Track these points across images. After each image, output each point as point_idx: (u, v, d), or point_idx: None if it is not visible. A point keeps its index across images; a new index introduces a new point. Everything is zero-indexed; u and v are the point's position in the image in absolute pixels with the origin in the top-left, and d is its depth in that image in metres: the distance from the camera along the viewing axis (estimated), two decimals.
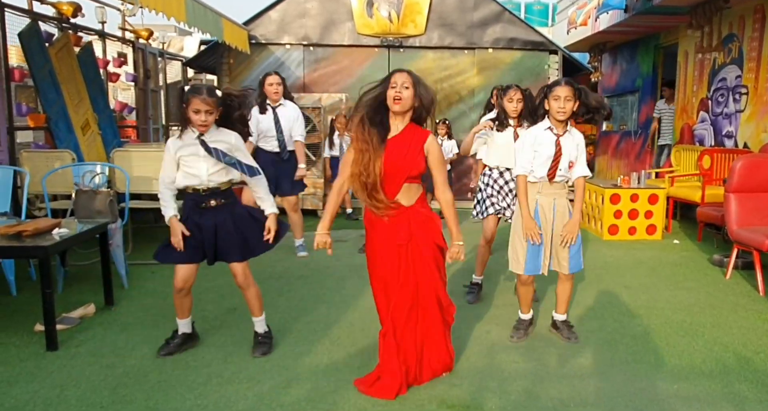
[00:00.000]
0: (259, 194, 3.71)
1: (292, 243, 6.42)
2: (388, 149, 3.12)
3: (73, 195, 5.23)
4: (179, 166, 3.56)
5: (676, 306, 4.75)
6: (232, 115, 3.58)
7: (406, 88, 3.11)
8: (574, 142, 3.86)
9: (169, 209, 3.60)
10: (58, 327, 3.98)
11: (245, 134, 3.71)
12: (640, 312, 4.59)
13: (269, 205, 3.70)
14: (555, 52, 10.14)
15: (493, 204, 4.76)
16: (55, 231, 4.02)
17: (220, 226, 3.60)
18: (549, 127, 3.84)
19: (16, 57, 8.04)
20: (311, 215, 8.56)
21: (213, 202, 3.59)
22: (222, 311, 4.53)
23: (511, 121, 4.66)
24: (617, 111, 12.81)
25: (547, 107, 3.82)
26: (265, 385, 3.30)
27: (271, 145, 6.06)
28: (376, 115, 3.16)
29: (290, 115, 6.06)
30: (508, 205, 4.72)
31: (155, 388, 3.27)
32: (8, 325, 4.20)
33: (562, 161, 3.82)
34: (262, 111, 5.98)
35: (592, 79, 12.97)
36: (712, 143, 8.73)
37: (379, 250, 3.27)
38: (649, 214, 7.50)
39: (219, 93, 3.51)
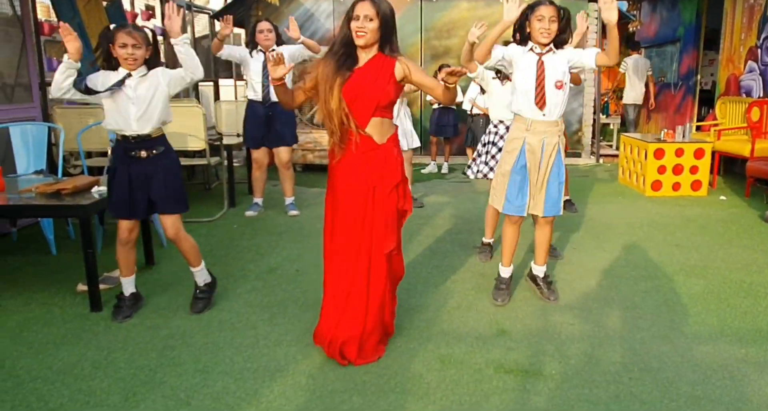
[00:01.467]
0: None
1: (282, 202, 6.32)
2: (353, 78, 2.94)
3: (109, 152, 5.13)
4: (106, 102, 3.43)
5: (733, 265, 4.55)
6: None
7: (370, 20, 2.89)
8: (562, 58, 3.59)
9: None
10: (101, 287, 3.92)
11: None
12: (696, 271, 4.41)
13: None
14: (595, 0, 9.73)
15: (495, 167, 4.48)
16: (95, 189, 3.92)
17: (150, 177, 3.49)
18: (530, 48, 3.60)
19: (42, 12, 7.87)
20: (319, 170, 8.50)
21: (144, 153, 3.47)
22: (263, 270, 4.44)
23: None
24: (656, 62, 12.36)
25: (528, 29, 3.57)
26: (314, 348, 3.20)
27: (256, 93, 5.86)
28: (343, 47, 2.97)
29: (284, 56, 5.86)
30: None
31: (203, 350, 3.19)
32: (50, 285, 4.15)
33: (547, 82, 3.57)
34: (252, 54, 5.82)
35: (631, 28, 12.48)
36: (761, 94, 8.34)
37: (347, 193, 3.01)
38: (694, 170, 7.22)
39: (147, 30, 3.45)
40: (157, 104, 3.46)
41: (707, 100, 10.35)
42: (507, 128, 4.49)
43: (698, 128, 9.07)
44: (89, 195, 3.83)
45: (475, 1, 9.70)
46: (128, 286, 3.74)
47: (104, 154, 5.66)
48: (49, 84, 6.73)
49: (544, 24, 3.48)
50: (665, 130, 7.56)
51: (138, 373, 2.95)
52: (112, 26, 3.44)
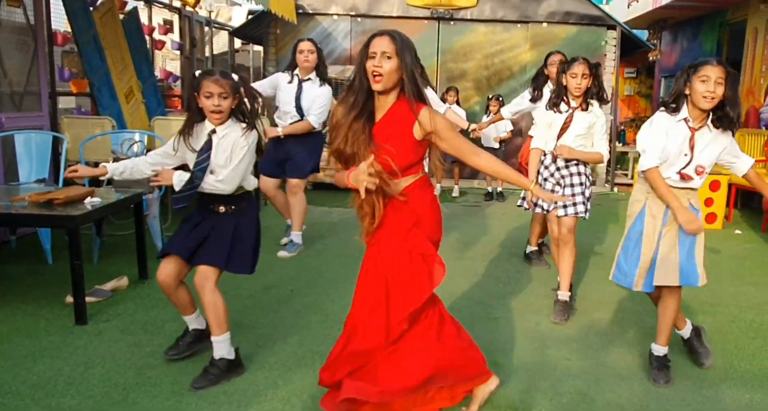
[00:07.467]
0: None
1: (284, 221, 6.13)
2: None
3: (111, 161, 5.09)
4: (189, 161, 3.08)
5: (744, 303, 4.38)
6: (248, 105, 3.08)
7: (388, 58, 2.41)
8: (717, 141, 3.04)
9: (114, 166, 3.14)
10: (89, 299, 3.85)
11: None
12: (704, 309, 4.24)
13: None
14: (613, 28, 9.64)
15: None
16: (87, 200, 3.86)
17: (216, 228, 3.08)
18: (685, 118, 3.02)
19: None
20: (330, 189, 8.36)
21: (222, 208, 3.09)
22: (257, 289, 4.33)
23: (572, 102, 3.98)
24: None
25: (687, 91, 2.98)
26: (296, 373, 3.09)
27: (285, 123, 5.28)
28: (357, 94, 2.49)
29: (315, 93, 5.17)
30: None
31: (182, 370, 3.09)
32: (41, 296, 4.08)
33: (692, 163, 3.04)
34: (289, 81, 5.24)
35: (651, 58, 12.38)
36: None
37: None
38: (709, 202, 7.04)
39: (235, 77, 3.01)
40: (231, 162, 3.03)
41: None
42: (553, 159, 4.12)
43: None
44: (81, 206, 3.77)
45: (493, 25, 9.66)
46: (191, 323, 3.30)
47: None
48: (60, 94, 6.79)
49: (708, 86, 2.88)
50: None
51: (111, 392, 2.86)
52: (197, 73, 3.06)
